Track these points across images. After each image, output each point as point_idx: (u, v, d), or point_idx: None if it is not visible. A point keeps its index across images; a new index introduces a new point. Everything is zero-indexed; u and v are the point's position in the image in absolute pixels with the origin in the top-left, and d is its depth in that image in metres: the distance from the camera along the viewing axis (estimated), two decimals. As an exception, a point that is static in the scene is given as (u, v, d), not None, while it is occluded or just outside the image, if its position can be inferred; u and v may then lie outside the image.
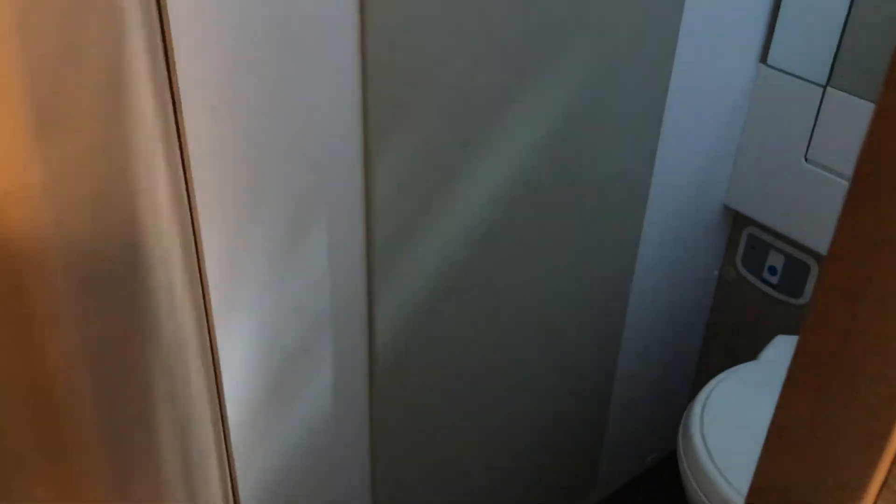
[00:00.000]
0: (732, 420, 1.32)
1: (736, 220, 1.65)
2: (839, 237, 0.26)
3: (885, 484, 0.29)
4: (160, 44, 0.76)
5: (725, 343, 1.79)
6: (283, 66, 0.86)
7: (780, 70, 1.40)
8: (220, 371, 0.97)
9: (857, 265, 0.25)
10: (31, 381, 0.57)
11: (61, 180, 0.51)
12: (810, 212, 1.44)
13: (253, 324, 0.98)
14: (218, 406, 0.99)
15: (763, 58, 1.42)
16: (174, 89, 0.80)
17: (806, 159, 1.42)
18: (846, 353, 0.27)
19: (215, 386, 0.98)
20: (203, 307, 0.92)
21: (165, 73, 0.78)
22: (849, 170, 1.23)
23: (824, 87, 1.35)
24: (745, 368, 1.42)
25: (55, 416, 0.60)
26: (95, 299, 0.54)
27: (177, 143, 0.81)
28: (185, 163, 0.84)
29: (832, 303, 0.26)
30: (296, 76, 0.87)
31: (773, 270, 1.61)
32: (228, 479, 1.04)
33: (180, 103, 0.80)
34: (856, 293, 0.25)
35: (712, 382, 1.39)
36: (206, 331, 0.93)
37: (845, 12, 1.30)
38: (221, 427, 1.01)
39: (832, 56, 1.33)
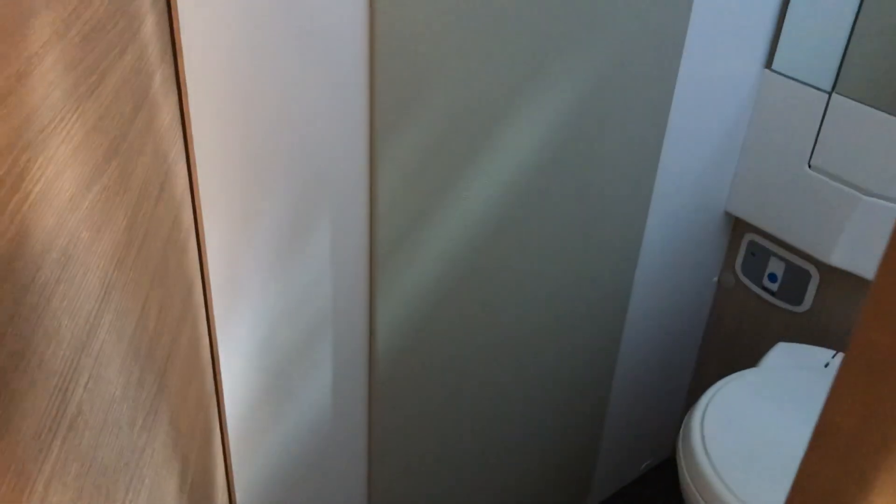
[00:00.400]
0: (733, 426, 1.31)
1: (736, 226, 1.64)
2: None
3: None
4: (166, 33, 0.75)
5: (723, 350, 1.78)
6: (290, 64, 0.85)
7: (785, 76, 1.40)
8: (219, 369, 0.96)
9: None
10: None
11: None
12: (812, 219, 1.44)
13: (254, 322, 0.97)
14: (215, 404, 0.98)
15: (768, 63, 1.42)
16: (181, 87, 0.79)
17: (809, 166, 1.41)
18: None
19: (213, 383, 0.96)
20: (204, 304, 0.91)
21: (172, 65, 0.77)
22: (853, 177, 1.22)
23: (829, 94, 1.35)
24: (746, 375, 1.42)
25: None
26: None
27: (181, 136, 0.80)
28: (191, 160, 0.82)
29: (886, 302, 0.25)
30: (303, 74, 0.86)
31: (773, 277, 1.61)
32: (224, 476, 1.03)
33: (186, 101, 0.79)
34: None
35: (713, 388, 1.38)
36: (205, 327, 0.92)
37: (852, 19, 1.30)
38: (218, 425, 0.99)
39: (838, 62, 1.33)
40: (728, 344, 1.77)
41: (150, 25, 0.71)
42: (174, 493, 0.81)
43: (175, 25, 0.76)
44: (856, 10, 1.30)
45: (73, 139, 0.54)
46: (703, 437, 1.28)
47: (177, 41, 0.76)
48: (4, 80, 0.45)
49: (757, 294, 1.65)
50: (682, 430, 1.35)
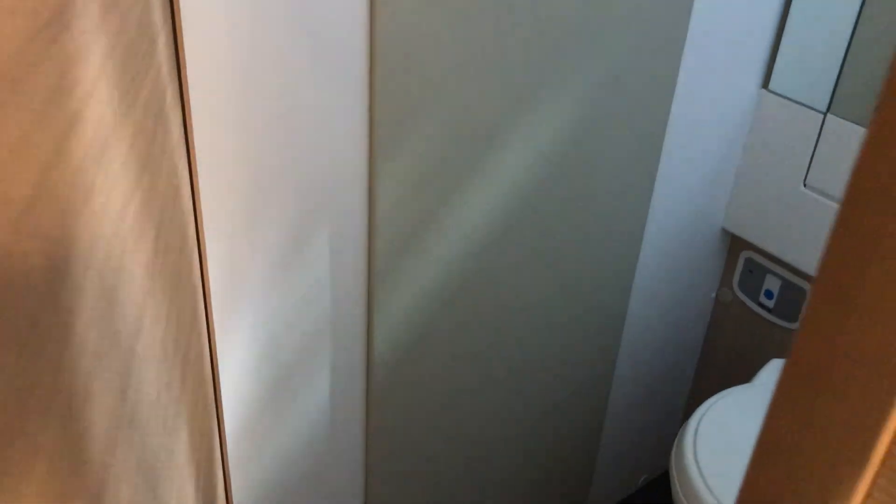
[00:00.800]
0: (725, 442, 1.32)
1: (733, 244, 1.66)
2: (829, 254, 0.27)
3: (868, 494, 0.30)
4: (172, 51, 0.78)
5: (720, 365, 1.80)
6: (290, 78, 0.87)
7: (782, 96, 1.42)
8: (218, 377, 0.98)
9: (846, 281, 0.26)
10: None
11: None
12: (808, 237, 1.46)
13: (253, 332, 0.99)
14: (215, 412, 1.00)
15: (765, 83, 1.44)
16: (185, 102, 0.81)
17: (805, 185, 1.43)
18: (834, 366, 0.28)
19: (213, 392, 0.98)
20: (204, 313, 0.93)
21: (177, 82, 0.79)
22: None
23: (825, 114, 1.37)
24: (738, 391, 1.43)
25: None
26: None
27: (185, 151, 0.83)
28: (192, 170, 0.85)
29: (821, 317, 0.27)
30: (303, 85, 0.89)
31: (769, 294, 1.62)
32: (223, 484, 1.05)
33: (189, 115, 0.82)
34: (844, 308, 0.26)
35: (706, 404, 1.39)
36: (206, 337, 0.94)
37: (847, 40, 1.32)
38: (217, 433, 1.01)
39: (833, 83, 1.35)
40: (725, 359, 1.78)
41: (162, 45, 0.73)
42: (192, 495, 0.83)
43: (179, 43, 0.78)
44: (851, 30, 1.32)
45: (120, 155, 0.57)
46: (695, 453, 1.30)
47: (181, 58, 0.79)
48: (79, 102, 0.48)
49: (753, 310, 1.67)
50: (674, 446, 1.36)
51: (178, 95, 0.80)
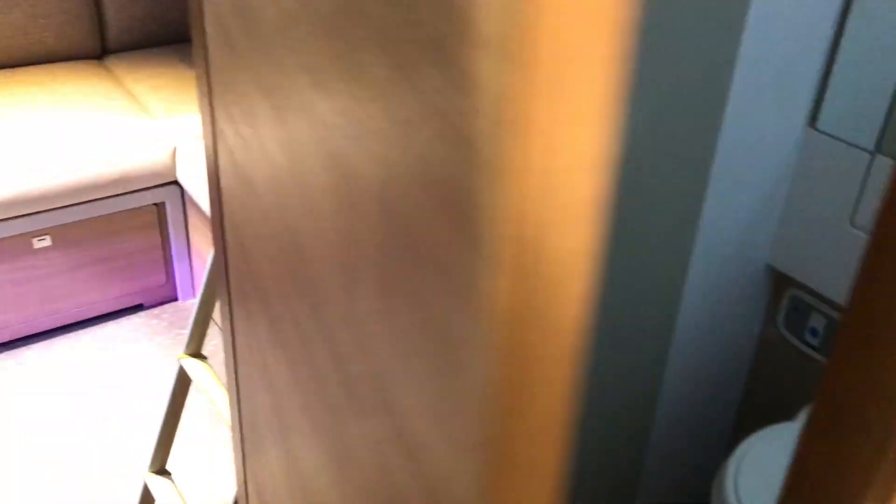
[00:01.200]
0: (766, 480, 1.31)
1: (779, 281, 1.65)
2: (856, 296, 0.28)
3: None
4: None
5: (764, 403, 1.78)
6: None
7: (829, 135, 1.42)
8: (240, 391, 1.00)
9: (872, 323, 0.27)
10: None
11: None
12: (854, 276, 1.45)
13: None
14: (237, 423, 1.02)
15: (812, 122, 1.44)
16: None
17: (852, 224, 1.43)
18: (860, 403, 0.29)
19: (237, 409, 1.00)
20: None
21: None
22: None
23: (873, 154, 1.36)
24: (781, 429, 1.42)
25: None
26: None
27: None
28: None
29: (848, 354, 0.28)
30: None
31: (814, 332, 1.61)
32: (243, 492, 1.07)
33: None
34: (869, 348, 0.27)
35: (747, 442, 1.38)
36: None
37: (896, 81, 1.32)
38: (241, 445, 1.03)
39: (882, 123, 1.35)
40: (769, 397, 1.77)
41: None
42: None
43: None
44: (900, 72, 1.32)
45: None
46: (736, 490, 1.29)
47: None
48: None
49: (798, 348, 1.65)
50: (714, 483, 1.35)
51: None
